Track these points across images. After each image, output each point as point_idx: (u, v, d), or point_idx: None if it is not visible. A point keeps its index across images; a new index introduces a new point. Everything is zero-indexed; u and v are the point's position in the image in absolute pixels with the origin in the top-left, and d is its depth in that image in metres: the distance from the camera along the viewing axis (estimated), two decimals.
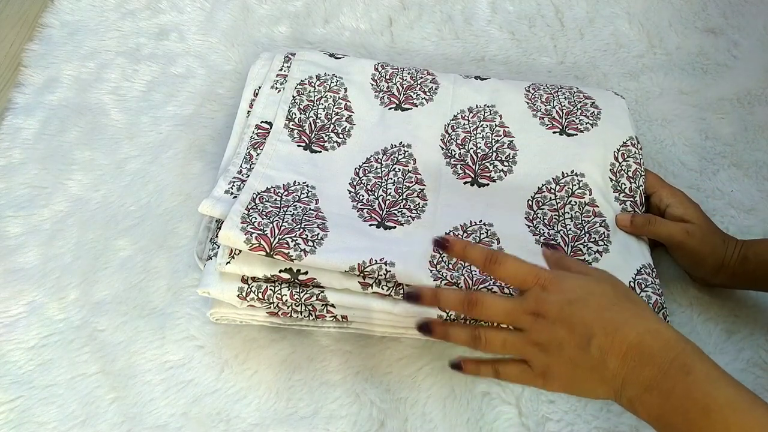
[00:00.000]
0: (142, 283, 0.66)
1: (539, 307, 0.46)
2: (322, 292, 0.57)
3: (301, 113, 0.68)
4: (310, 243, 0.56)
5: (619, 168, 0.67)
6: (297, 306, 0.57)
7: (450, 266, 0.58)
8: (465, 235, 0.61)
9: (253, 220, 0.57)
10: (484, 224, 0.62)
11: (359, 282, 0.55)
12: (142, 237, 0.69)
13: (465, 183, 0.66)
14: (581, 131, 0.68)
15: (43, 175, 0.73)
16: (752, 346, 0.63)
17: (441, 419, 0.59)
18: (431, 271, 0.56)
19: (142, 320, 0.63)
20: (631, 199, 0.65)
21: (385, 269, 0.54)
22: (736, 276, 0.60)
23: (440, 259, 0.58)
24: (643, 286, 0.58)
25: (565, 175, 0.65)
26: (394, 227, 0.61)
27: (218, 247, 0.58)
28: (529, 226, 0.62)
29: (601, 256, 0.60)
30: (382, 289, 0.55)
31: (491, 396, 0.60)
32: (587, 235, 0.62)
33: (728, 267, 0.60)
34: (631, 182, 0.66)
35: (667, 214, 0.64)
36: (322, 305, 0.57)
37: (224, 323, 0.61)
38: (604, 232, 0.62)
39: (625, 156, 0.67)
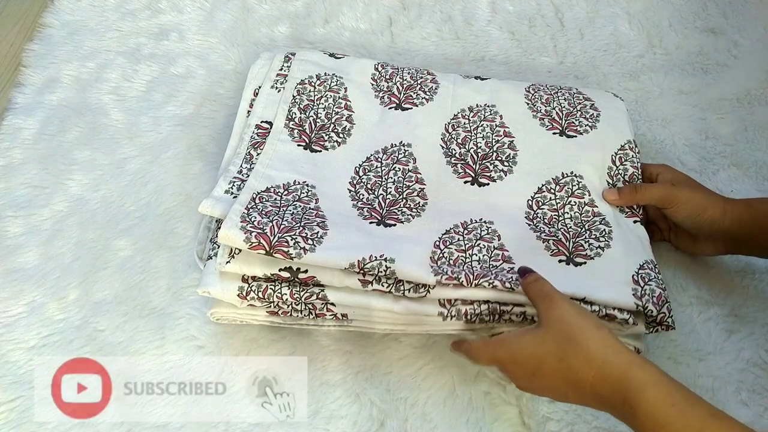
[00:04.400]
0: (142, 283, 0.66)
1: (515, 383, 0.51)
2: (322, 290, 0.57)
3: (301, 113, 0.68)
4: (310, 241, 0.56)
5: (617, 172, 0.67)
6: (297, 305, 0.57)
7: (451, 262, 0.57)
8: (465, 232, 0.60)
9: (253, 219, 0.57)
10: (485, 222, 0.62)
11: (359, 279, 0.55)
12: (142, 237, 0.69)
13: (465, 182, 0.65)
14: (580, 133, 0.68)
15: (43, 175, 0.73)
16: (752, 346, 0.63)
17: (441, 419, 0.59)
18: (432, 266, 0.56)
19: (142, 320, 0.63)
20: None
21: (385, 266, 0.54)
22: (741, 224, 0.59)
23: (441, 254, 0.58)
24: (646, 279, 0.58)
25: (565, 175, 0.66)
26: (394, 225, 0.61)
27: (218, 247, 0.58)
28: (529, 224, 0.62)
29: (603, 251, 0.60)
30: (382, 286, 0.55)
31: (492, 396, 0.60)
32: (588, 231, 0.62)
33: (733, 212, 0.59)
34: (626, 185, 0.66)
35: (658, 181, 0.65)
36: (322, 304, 0.57)
37: (224, 323, 0.61)
38: (605, 229, 0.62)
39: (623, 160, 0.67)
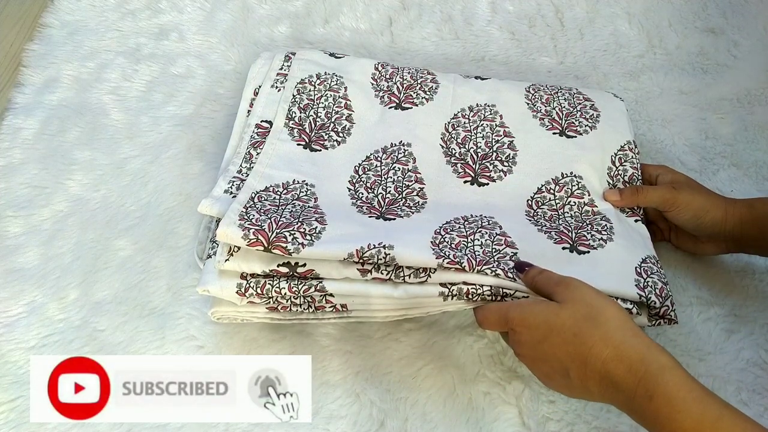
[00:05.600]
0: (142, 283, 0.66)
1: (517, 349, 0.51)
2: (321, 282, 0.56)
3: (301, 112, 0.68)
4: (308, 236, 0.55)
5: (616, 173, 0.67)
6: (296, 299, 0.57)
7: (453, 246, 0.57)
8: (466, 223, 0.60)
9: (251, 216, 0.57)
10: (485, 216, 0.61)
11: (358, 269, 0.55)
12: (142, 237, 0.68)
13: (465, 182, 0.65)
14: (580, 134, 0.68)
15: (43, 175, 0.73)
16: (752, 346, 0.63)
17: (441, 419, 0.59)
18: (433, 250, 0.55)
19: (142, 320, 0.63)
20: None
21: (384, 252, 0.54)
22: (743, 225, 0.59)
23: (442, 239, 0.57)
24: (648, 272, 0.57)
25: (565, 175, 0.65)
26: (394, 219, 0.61)
27: (218, 246, 0.58)
28: (530, 220, 0.62)
29: (606, 243, 0.60)
30: (382, 273, 0.55)
31: (491, 396, 0.60)
32: (590, 225, 0.62)
33: (734, 214, 0.59)
34: (627, 186, 0.66)
35: (658, 183, 0.65)
36: (321, 295, 0.56)
37: (225, 323, 0.61)
38: (606, 224, 0.62)
39: (623, 161, 0.67)
